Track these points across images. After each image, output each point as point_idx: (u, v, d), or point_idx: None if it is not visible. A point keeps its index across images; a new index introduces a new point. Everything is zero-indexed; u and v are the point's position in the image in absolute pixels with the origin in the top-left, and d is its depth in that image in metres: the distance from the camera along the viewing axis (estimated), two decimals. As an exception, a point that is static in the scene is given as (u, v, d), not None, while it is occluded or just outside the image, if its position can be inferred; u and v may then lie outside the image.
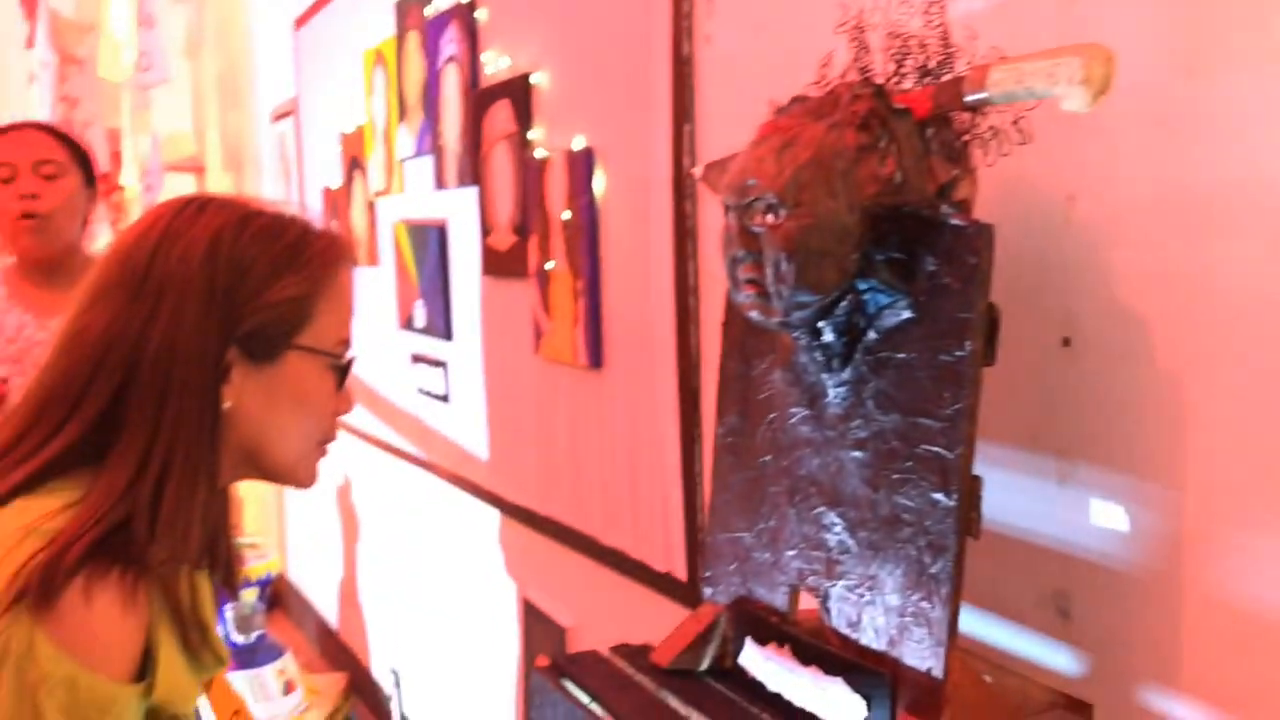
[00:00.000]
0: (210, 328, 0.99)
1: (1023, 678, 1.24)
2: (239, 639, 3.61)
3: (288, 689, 3.59)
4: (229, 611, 3.62)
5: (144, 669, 0.95)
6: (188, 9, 5.53)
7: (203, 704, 2.60)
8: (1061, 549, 1.23)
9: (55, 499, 0.96)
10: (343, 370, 1.08)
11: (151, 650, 0.95)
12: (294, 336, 1.04)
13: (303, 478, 1.10)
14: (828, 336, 1.18)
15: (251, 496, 5.37)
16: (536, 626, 2.51)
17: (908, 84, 1.19)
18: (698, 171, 1.35)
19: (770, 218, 1.12)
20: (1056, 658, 1.23)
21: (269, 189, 4.73)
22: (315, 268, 1.04)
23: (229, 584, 1.13)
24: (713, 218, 1.78)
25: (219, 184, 5.67)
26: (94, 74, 4.75)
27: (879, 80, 1.19)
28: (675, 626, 1.40)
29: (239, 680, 3.50)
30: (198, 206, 1.04)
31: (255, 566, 3.68)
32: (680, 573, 1.92)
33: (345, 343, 1.09)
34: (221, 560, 1.10)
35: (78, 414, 0.99)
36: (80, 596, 0.90)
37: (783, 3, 1.59)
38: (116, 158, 4.95)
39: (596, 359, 2.14)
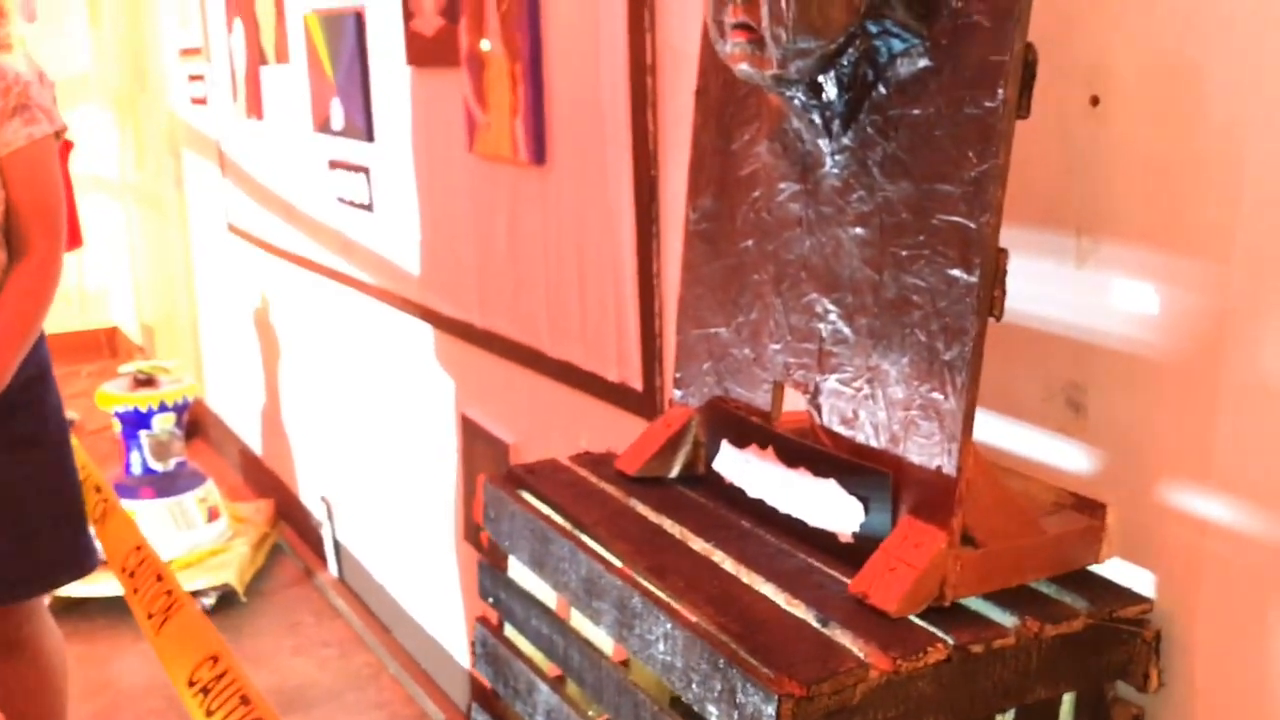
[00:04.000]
0: None
1: (1027, 478, 1.13)
2: (157, 466, 3.46)
3: (211, 516, 3.46)
4: (144, 438, 3.45)
5: None
6: None
7: (99, 544, 2.43)
8: (1076, 337, 1.11)
9: None
10: None
11: None
12: None
13: None
14: (829, 92, 1.02)
15: (165, 321, 5.14)
16: (477, 444, 2.38)
17: None
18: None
19: (767, -54, 0.95)
20: (1067, 456, 1.13)
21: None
22: None
23: None
24: (673, -16, 1.58)
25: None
26: None
27: None
28: (640, 434, 1.27)
29: (158, 509, 3.36)
30: None
31: (170, 391, 3.48)
32: (635, 382, 1.79)
33: None
34: None
35: None
36: None
37: None
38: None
39: (539, 153, 1.95)
